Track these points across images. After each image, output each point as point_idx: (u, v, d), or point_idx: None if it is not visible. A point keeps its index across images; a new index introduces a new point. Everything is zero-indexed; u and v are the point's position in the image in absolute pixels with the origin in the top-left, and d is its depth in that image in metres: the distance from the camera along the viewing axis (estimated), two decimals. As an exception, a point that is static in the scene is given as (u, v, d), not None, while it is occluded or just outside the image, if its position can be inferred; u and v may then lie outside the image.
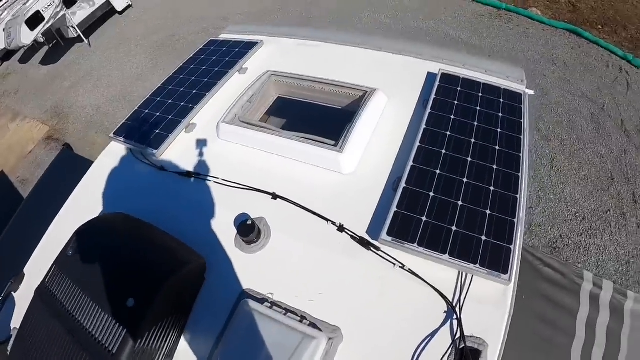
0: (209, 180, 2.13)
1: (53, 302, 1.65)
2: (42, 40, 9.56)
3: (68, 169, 3.64)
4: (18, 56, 11.04)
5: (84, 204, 2.36)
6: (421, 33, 6.88)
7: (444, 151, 1.93)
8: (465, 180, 1.81)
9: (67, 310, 1.59)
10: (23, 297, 2.11)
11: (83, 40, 9.79)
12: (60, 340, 1.56)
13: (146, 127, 2.55)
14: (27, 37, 8.88)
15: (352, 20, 7.65)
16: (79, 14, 9.75)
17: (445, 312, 1.53)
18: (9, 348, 1.85)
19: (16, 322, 2.00)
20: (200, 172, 2.18)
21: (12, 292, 2.18)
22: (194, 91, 2.68)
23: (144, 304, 1.49)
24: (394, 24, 7.24)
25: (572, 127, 5.13)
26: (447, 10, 7.25)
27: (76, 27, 9.53)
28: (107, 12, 10.58)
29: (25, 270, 2.25)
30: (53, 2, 9.15)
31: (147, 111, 2.68)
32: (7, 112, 9.35)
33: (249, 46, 2.92)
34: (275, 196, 1.94)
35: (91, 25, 10.27)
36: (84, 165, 2.94)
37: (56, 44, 10.26)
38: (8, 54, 10.99)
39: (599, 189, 4.51)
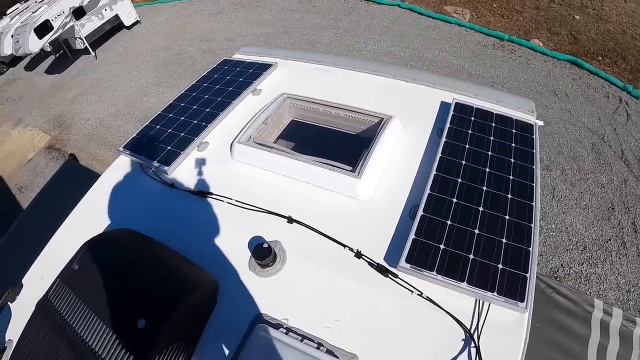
0: (222, 201, 2.12)
1: (56, 317, 1.59)
2: (50, 50, 9.66)
3: (72, 180, 3.59)
4: (24, 63, 11.13)
5: (89, 217, 2.32)
6: (425, 61, 7.00)
7: (460, 180, 1.94)
8: (481, 209, 1.82)
9: (71, 327, 1.53)
10: (20, 308, 2.04)
11: (90, 53, 9.89)
12: (61, 357, 1.50)
13: (157, 143, 2.54)
14: (34, 44, 8.97)
15: (357, 46, 7.78)
16: (87, 26, 9.88)
17: (463, 339, 1.52)
18: None
19: (11, 334, 1.95)
20: (213, 192, 2.17)
21: (9, 303, 2.11)
22: (207, 109, 2.69)
23: (156, 326, 1.44)
24: (399, 52, 7.37)
25: (573, 157, 5.20)
26: (451, 39, 7.39)
27: (84, 39, 9.64)
28: (115, 27, 10.74)
29: (24, 280, 2.19)
30: (62, 12, 9.28)
31: (158, 127, 2.68)
32: (9, 118, 9.37)
33: (264, 67, 2.95)
34: (290, 220, 1.93)
35: (99, 38, 10.41)
36: (90, 177, 2.91)
37: (63, 54, 10.38)
38: (14, 60, 11.05)
39: (600, 219, 4.56)
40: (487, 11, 8.00)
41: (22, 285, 2.17)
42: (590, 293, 3.96)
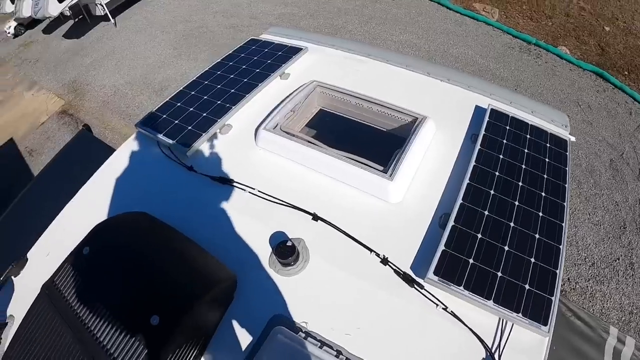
0: (244, 190, 2.04)
1: (62, 303, 1.51)
2: (69, 14, 9.59)
3: (85, 151, 3.52)
4: (42, 26, 11.03)
5: (100, 195, 2.23)
6: (450, 57, 6.86)
7: (492, 192, 1.87)
8: (512, 224, 1.76)
9: (77, 316, 1.45)
10: (24, 283, 2.00)
11: (109, 20, 9.78)
12: (66, 348, 1.43)
13: (177, 122, 2.46)
14: (54, 8, 8.88)
15: (382, 36, 7.63)
16: (108, -8, 9.73)
17: (483, 358, 1.47)
18: (6, 342, 1.71)
19: (13, 309, 1.90)
20: (234, 179, 2.08)
21: (13, 277, 2.05)
22: (232, 90, 2.61)
23: (171, 324, 1.37)
24: (424, 45, 7.23)
25: (590, 170, 5.11)
26: (478, 37, 7.24)
27: (104, 5, 9.52)
28: (136, -5, 10.59)
29: (29, 255, 2.12)
30: (84, -24, 9.15)
31: (179, 104, 2.60)
32: (24, 80, 9.32)
33: (293, 51, 2.86)
34: (316, 217, 1.85)
35: (119, 6, 10.29)
36: (103, 151, 2.84)
37: (82, 20, 10.28)
38: (33, 23, 10.98)
39: (611, 236, 4.49)
40: (517, 12, 7.82)
41: (27, 259, 2.11)
42: (593, 310, 3.92)
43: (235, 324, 1.61)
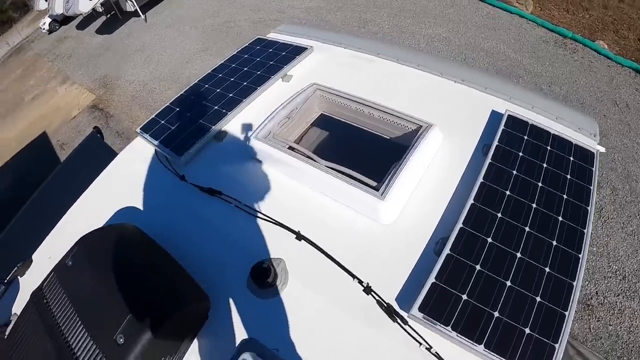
0: (230, 203, 1.94)
1: (46, 312, 1.53)
2: (101, 10, 9.76)
3: (94, 154, 3.56)
4: (76, 22, 11.33)
5: (99, 200, 2.25)
6: (482, 52, 6.52)
7: (499, 215, 1.64)
8: (518, 255, 1.53)
9: (57, 325, 1.46)
10: (28, 283, 2.04)
11: (140, 15, 9.92)
12: (45, 356, 1.44)
13: (174, 129, 2.40)
14: (84, 5, 9.08)
15: (411, 29, 7.36)
16: (138, -12, 9.86)
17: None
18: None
19: (18, 308, 1.94)
20: (222, 191, 1.98)
21: (18, 277, 2.13)
22: (231, 94, 2.51)
23: (134, 345, 1.32)
24: (454, 39, 6.90)
25: (627, 175, 4.71)
26: (511, 31, 6.84)
27: (134, 1, 9.64)
28: (166, -10, 10.68)
29: (34, 256, 2.19)
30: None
31: (178, 109, 2.54)
32: (58, 75, 9.61)
33: (297, 51, 2.71)
34: (299, 236, 1.72)
35: (149, 2, 10.40)
36: (109, 155, 2.83)
37: (114, 16, 10.47)
38: (67, 19, 11.30)
39: (645, 248, 4.13)
40: (552, 4, 7.34)
41: (32, 260, 2.19)
42: (621, 327, 3.63)
43: (207, 344, 1.54)
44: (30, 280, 2.07)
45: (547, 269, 1.51)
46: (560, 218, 1.66)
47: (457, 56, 6.48)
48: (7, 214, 3.52)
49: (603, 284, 3.92)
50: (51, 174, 3.57)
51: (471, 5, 7.58)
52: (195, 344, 1.55)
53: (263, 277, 1.54)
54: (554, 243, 1.58)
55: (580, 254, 1.56)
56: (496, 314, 1.39)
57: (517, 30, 6.86)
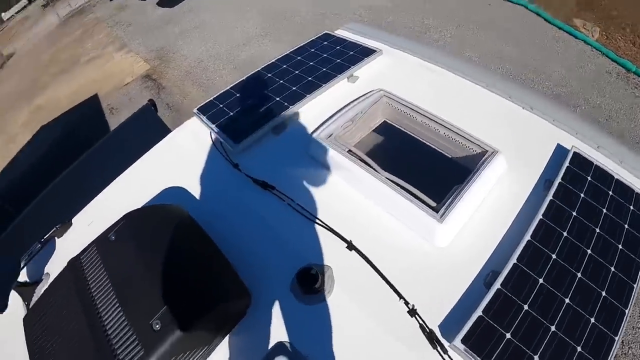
0: (283, 200, 1.88)
1: (82, 283, 1.50)
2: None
3: (146, 127, 3.57)
4: (139, -8, 11.54)
5: (146, 175, 2.24)
6: (543, 75, 6.23)
7: (554, 256, 1.55)
8: (567, 301, 1.45)
9: (93, 300, 1.43)
10: (65, 246, 2.05)
11: (201, -8, 9.99)
12: (76, 328, 1.41)
13: (232, 114, 2.37)
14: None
15: (471, 41, 7.12)
16: (204, -36, 9.93)
17: None
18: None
19: (50, 268, 1.97)
20: (276, 186, 1.93)
21: (56, 237, 2.13)
22: (294, 87, 2.46)
23: (170, 333, 1.28)
24: (517, 58, 6.64)
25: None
26: (573, 57, 6.50)
27: (199, -23, 9.72)
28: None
29: (74, 220, 2.19)
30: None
31: (238, 95, 2.51)
32: (115, 41, 9.84)
33: (366, 52, 2.63)
34: (351, 246, 1.65)
35: (215, -22, 10.44)
36: (161, 130, 2.83)
37: (176, -10, 10.58)
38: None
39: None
40: (619, 34, 6.92)
41: (71, 223, 2.18)
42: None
43: (238, 342, 1.51)
44: (66, 243, 2.07)
45: (593, 320, 1.43)
46: (612, 268, 1.57)
47: (518, 76, 6.24)
48: (52, 169, 3.57)
49: (631, 334, 3.66)
50: (101, 140, 3.61)
51: (537, 25, 7.27)
52: (227, 338, 1.52)
53: (310, 282, 1.49)
54: (603, 294, 1.50)
55: (626, 308, 1.47)
56: (536, 357, 1.31)
57: (580, 56, 6.53)
